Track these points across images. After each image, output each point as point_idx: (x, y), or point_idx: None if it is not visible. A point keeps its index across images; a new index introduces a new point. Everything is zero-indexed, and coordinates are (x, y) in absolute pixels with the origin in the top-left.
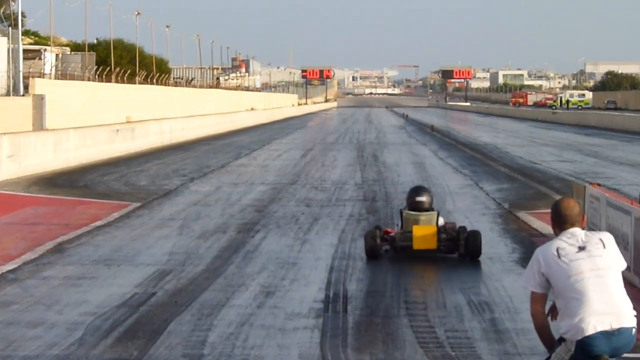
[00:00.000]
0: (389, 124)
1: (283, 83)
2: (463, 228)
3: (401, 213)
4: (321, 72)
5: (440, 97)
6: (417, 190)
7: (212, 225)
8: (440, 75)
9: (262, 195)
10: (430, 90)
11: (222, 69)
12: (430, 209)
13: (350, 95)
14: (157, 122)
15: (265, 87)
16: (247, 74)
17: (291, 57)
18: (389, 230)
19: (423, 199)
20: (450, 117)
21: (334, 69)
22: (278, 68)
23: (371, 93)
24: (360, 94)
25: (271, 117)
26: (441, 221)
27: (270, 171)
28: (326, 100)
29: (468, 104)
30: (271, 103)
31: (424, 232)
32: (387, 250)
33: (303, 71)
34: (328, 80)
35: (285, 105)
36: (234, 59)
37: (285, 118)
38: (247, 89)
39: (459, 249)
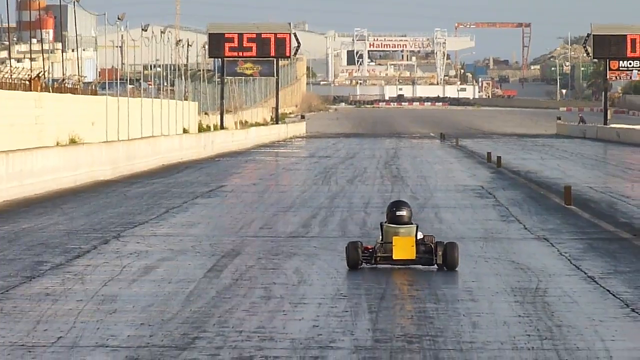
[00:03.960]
0: (449, 183)
1: (158, 69)
2: (441, 242)
3: (381, 226)
4: (262, 38)
5: (586, 111)
6: (397, 205)
7: None
8: (587, 49)
9: None
10: (564, 92)
11: None
12: (409, 222)
13: (342, 105)
14: None
15: (109, 82)
16: (59, 44)
17: (179, 3)
18: (369, 246)
19: (403, 213)
20: (618, 162)
21: (300, 30)
22: (144, 31)
23: (401, 96)
24: (373, 100)
25: (125, 163)
26: (420, 234)
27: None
28: (275, 118)
29: None
30: (126, 125)
31: (403, 242)
32: (367, 262)
33: (211, 37)
34: (287, 62)
35: (165, 133)
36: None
37: (165, 167)
38: (61, 85)
39: (437, 260)
